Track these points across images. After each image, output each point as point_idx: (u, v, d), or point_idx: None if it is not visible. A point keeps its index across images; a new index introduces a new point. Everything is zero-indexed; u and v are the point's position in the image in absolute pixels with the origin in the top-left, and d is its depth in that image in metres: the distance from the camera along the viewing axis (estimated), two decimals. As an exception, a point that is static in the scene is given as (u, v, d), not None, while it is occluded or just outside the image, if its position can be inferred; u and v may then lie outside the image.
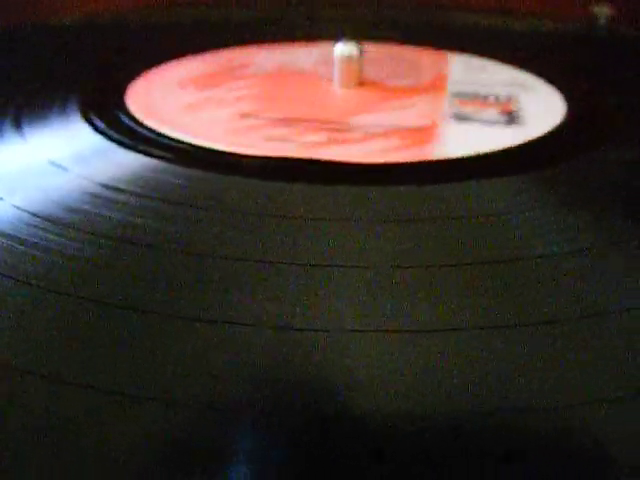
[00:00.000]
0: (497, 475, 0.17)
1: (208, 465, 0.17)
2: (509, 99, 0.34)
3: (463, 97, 0.34)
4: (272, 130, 0.29)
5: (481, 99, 0.34)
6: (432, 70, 0.37)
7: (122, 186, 0.25)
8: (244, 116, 0.31)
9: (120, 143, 0.28)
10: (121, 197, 0.25)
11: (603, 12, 0.48)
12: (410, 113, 0.32)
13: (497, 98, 0.34)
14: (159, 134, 0.29)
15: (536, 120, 0.31)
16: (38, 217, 0.24)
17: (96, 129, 0.29)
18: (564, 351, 0.20)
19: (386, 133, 0.29)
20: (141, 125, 0.30)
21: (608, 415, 0.18)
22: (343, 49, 0.34)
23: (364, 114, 0.31)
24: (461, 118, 0.31)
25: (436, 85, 0.35)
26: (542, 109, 0.33)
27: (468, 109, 0.32)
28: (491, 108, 0.33)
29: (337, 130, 0.30)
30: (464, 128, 0.30)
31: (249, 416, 0.18)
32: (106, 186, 0.25)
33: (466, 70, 0.38)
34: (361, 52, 0.34)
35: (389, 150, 0.28)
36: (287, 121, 0.30)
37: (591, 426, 0.18)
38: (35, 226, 0.23)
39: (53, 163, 0.27)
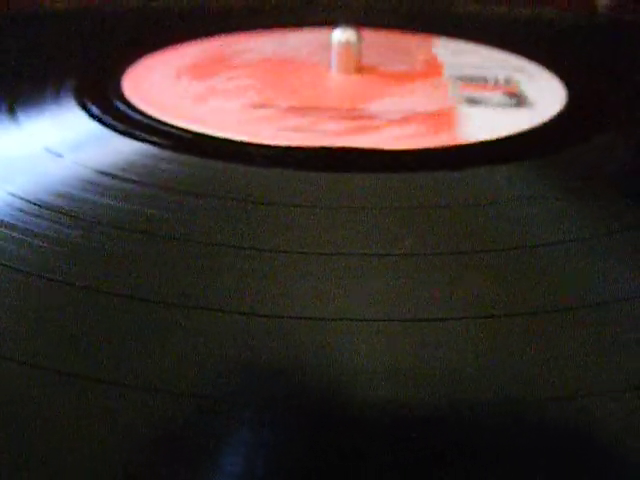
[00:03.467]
0: (498, 466, 0.17)
1: (198, 456, 0.17)
2: (508, 82, 0.33)
3: (465, 80, 0.33)
4: (287, 120, 0.29)
5: (482, 82, 0.33)
6: (423, 54, 0.37)
7: (117, 172, 0.25)
8: (251, 105, 0.31)
9: (115, 129, 0.28)
10: (116, 184, 0.25)
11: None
12: (420, 98, 0.31)
13: (496, 81, 0.34)
14: (154, 121, 0.29)
15: (542, 103, 0.31)
16: (32, 204, 0.24)
17: (91, 115, 0.29)
18: (563, 341, 0.20)
19: (405, 119, 0.29)
20: (137, 111, 0.30)
21: (610, 407, 0.18)
22: (341, 35, 0.33)
23: (374, 101, 0.31)
24: (473, 102, 0.31)
25: (431, 69, 0.35)
26: (543, 93, 0.32)
27: (475, 92, 0.32)
28: (496, 91, 0.32)
29: (354, 118, 0.29)
30: (479, 111, 0.30)
31: (238, 406, 0.18)
32: (101, 172, 0.25)
33: (456, 54, 0.37)
34: (359, 38, 0.34)
35: (416, 136, 0.28)
36: (300, 110, 0.30)
37: (595, 418, 0.18)
38: (29, 213, 0.23)
39: (48, 149, 0.27)
